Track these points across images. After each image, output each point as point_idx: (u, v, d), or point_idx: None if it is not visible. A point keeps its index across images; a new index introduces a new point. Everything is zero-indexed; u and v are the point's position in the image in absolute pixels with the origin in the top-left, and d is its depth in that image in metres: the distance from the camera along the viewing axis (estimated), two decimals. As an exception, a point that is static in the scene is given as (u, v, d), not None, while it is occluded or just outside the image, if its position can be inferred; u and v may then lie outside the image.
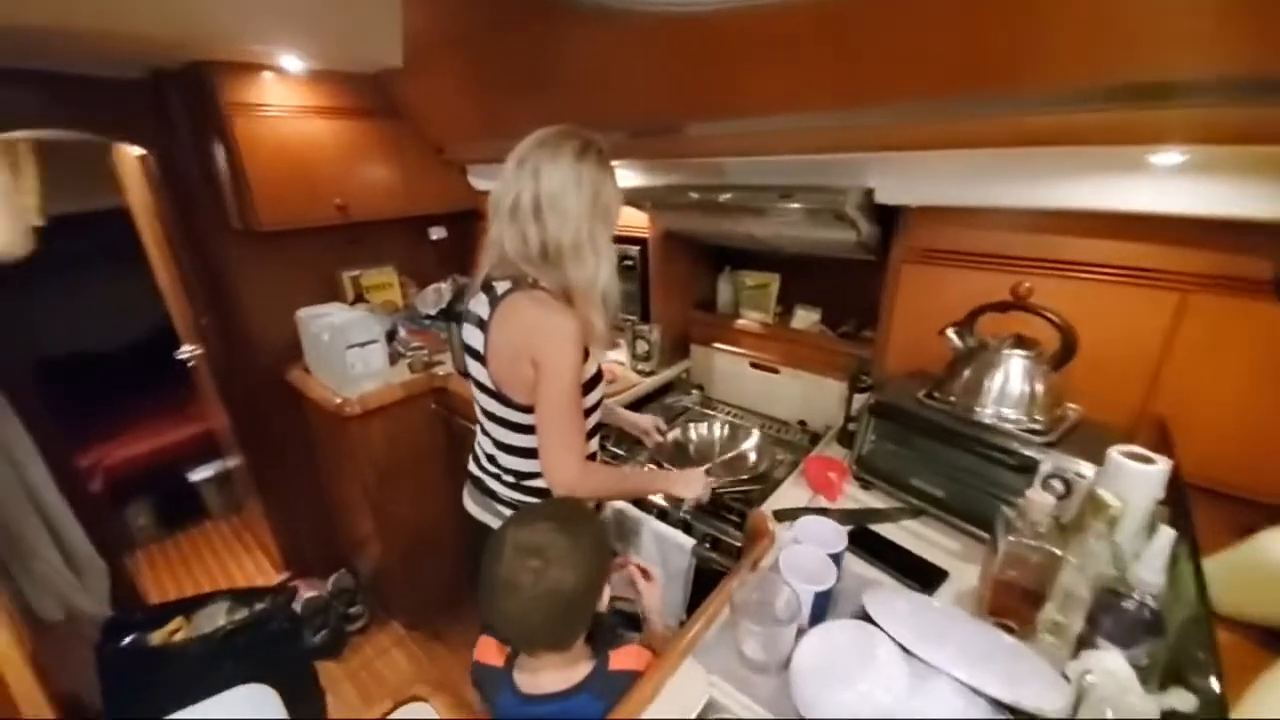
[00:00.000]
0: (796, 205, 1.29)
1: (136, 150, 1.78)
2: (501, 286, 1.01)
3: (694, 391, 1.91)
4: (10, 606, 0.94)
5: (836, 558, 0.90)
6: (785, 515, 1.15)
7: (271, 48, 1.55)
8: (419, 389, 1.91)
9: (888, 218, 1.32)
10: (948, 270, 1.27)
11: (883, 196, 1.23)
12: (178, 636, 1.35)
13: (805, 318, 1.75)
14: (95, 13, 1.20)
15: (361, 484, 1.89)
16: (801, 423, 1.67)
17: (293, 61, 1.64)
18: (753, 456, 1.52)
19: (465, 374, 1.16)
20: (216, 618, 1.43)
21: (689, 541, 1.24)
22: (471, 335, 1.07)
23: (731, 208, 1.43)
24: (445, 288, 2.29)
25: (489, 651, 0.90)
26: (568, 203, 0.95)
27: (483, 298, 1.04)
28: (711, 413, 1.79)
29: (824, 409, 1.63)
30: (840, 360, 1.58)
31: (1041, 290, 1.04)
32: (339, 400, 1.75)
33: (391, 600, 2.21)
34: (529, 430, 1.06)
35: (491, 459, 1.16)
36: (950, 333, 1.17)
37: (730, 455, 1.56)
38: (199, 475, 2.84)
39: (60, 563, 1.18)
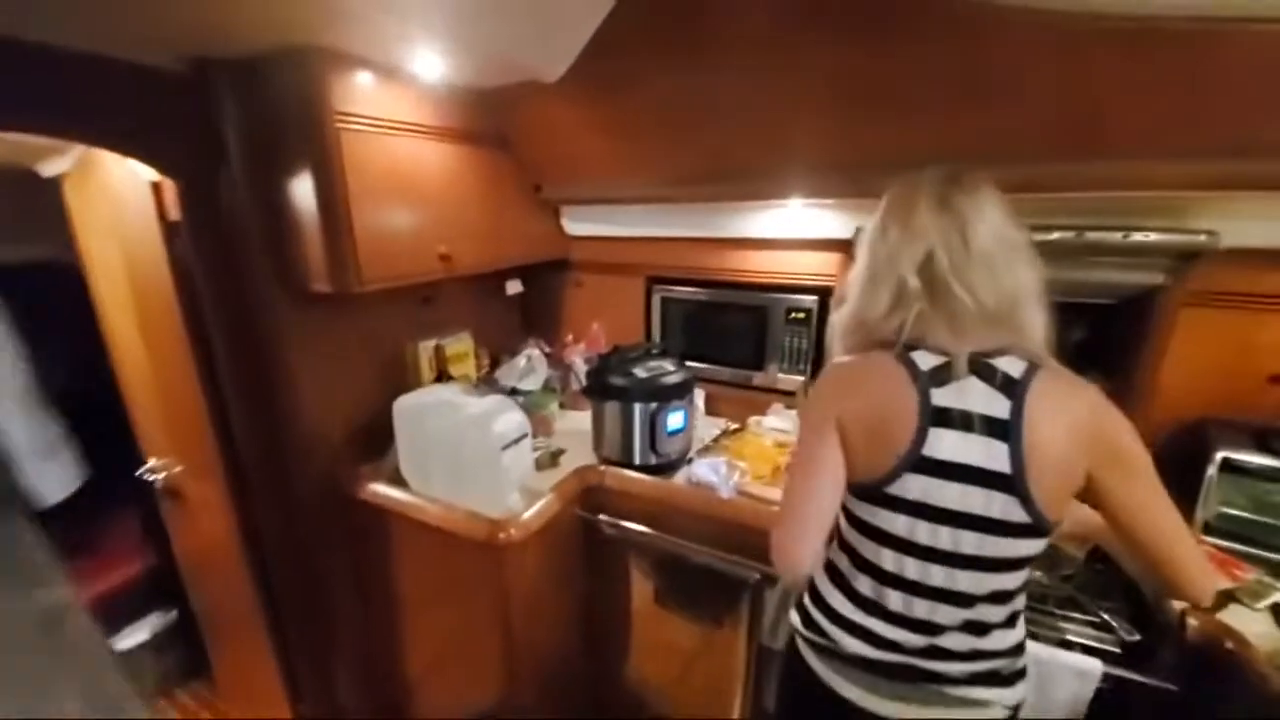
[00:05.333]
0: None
1: (148, 174, 1.18)
2: (1013, 367, 0.73)
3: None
4: None
5: None
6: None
7: (413, 41, 1.11)
8: (570, 493, 1.44)
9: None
10: (1242, 315, 1.21)
11: (1231, 239, 1.13)
12: None
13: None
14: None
15: (498, 630, 1.36)
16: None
17: (432, 63, 1.20)
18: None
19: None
20: None
21: (1093, 665, 0.98)
22: (965, 449, 0.73)
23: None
24: (536, 356, 1.85)
25: None
26: (1016, 240, 0.76)
27: (978, 385, 0.74)
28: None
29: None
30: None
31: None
32: (488, 523, 1.24)
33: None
34: (1027, 562, 0.78)
35: (935, 627, 0.80)
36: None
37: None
38: (130, 639, 1.96)
39: None
